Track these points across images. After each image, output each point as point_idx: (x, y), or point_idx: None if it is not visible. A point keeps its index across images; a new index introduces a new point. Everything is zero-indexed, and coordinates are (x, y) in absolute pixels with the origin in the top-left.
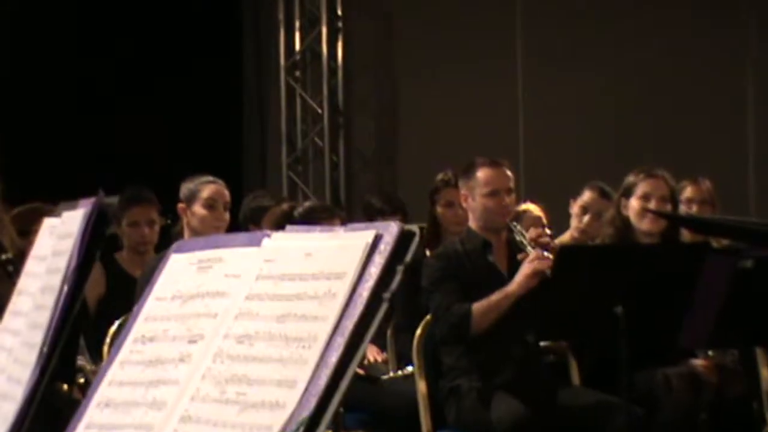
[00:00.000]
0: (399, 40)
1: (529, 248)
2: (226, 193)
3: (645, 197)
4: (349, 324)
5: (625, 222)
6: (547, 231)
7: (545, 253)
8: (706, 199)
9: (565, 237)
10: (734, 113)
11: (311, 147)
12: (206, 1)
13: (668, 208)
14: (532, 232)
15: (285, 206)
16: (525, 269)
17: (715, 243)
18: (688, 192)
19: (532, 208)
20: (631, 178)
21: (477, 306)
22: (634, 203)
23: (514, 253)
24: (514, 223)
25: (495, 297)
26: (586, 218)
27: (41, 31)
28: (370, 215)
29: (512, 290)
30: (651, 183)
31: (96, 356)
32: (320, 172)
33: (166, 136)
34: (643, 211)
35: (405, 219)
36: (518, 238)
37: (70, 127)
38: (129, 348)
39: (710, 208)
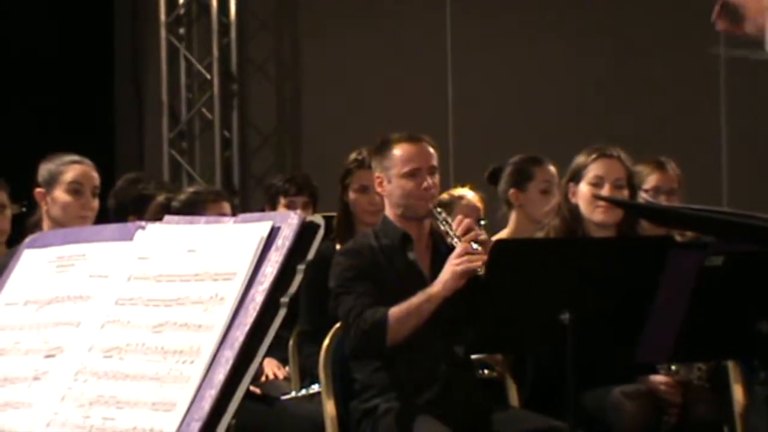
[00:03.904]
0: None
1: (455, 240)
2: (95, 175)
3: (597, 182)
4: (239, 334)
5: (573, 211)
6: (481, 222)
7: (475, 246)
8: (674, 188)
9: (506, 232)
10: (704, 85)
11: (198, 120)
12: None
13: (624, 194)
14: (460, 225)
15: (162, 198)
16: (450, 267)
17: (679, 236)
18: (653, 179)
19: (469, 195)
20: (580, 159)
21: (394, 311)
22: (584, 189)
23: (439, 248)
24: (438, 209)
25: (415, 300)
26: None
27: None
28: (272, 200)
29: (435, 292)
30: (604, 164)
31: None
32: (209, 151)
33: (19, 107)
34: (595, 199)
35: (314, 202)
36: (442, 227)
37: None
38: None
39: (681, 199)
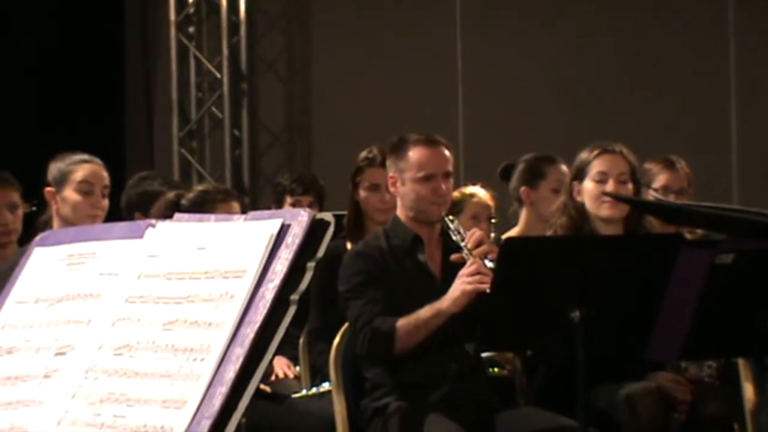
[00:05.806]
0: None
1: (466, 252)
2: (105, 174)
3: (601, 178)
4: (249, 332)
5: (580, 209)
6: (491, 235)
7: (487, 263)
8: (684, 187)
9: (516, 230)
10: (714, 84)
11: (208, 119)
12: None
13: (629, 189)
14: (472, 237)
15: (171, 195)
16: (461, 285)
17: (688, 234)
18: (662, 178)
19: (481, 194)
20: (583, 157)
21: (403, 323)
22: (588, 186)
23: (450, 249)
24: (450, 218)
25: (424, 314)
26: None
27: None
28: (279, 198)
29: (445, 308)
30: (607, 160)
31: None
32: (219, 149)
33: (30, 106)
34: (601, 195)
35: (321, 202)
36: (454, 237)
37: None
38: None
39: (691, 198)
